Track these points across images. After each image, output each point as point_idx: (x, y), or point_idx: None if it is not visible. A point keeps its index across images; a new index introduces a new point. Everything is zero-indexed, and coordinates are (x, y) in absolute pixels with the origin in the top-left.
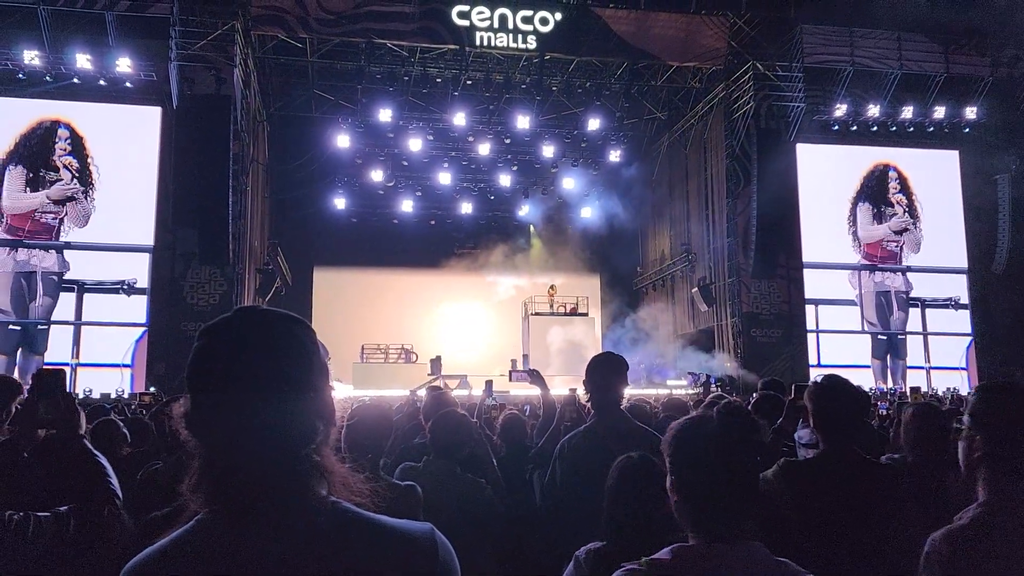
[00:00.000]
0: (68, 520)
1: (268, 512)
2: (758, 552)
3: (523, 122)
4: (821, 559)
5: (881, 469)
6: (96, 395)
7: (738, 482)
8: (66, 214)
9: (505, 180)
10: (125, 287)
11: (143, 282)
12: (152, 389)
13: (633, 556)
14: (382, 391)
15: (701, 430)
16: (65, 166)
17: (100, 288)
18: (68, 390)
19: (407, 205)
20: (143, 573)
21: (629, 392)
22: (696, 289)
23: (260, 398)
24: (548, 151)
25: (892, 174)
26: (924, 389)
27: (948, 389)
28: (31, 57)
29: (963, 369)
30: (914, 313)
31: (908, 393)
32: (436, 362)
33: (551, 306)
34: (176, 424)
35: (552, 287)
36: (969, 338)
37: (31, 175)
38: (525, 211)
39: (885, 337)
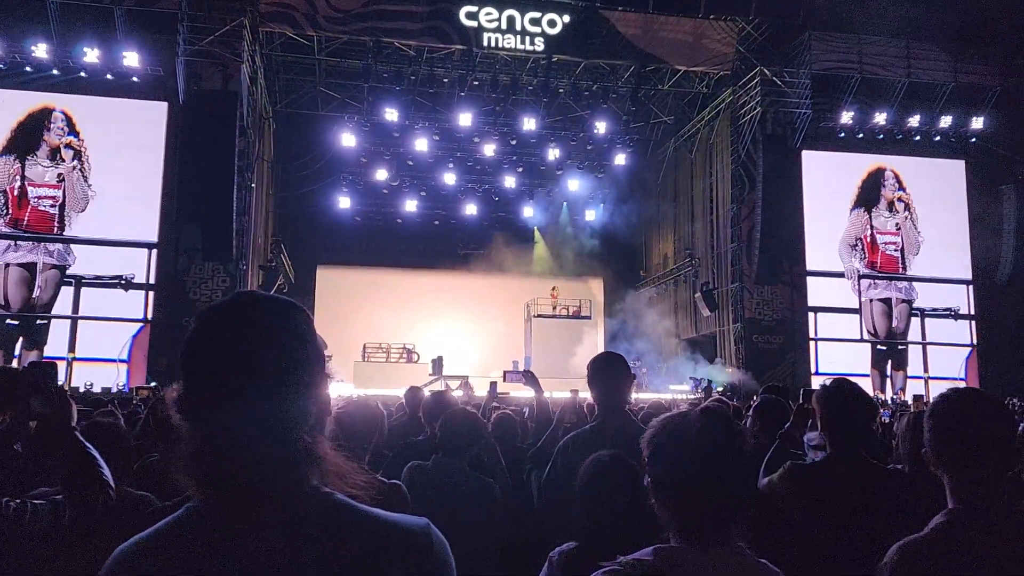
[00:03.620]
0: (64, 508)
1: (259, 499)
2: (740, 556)
3: (529, 124)
4: (826, 561)
5: (888, 474)
6: (96, 389)
7: (719, 486)
8: (64, 199)
9: (510, 181)
10: (123, 282)
11: (145, 277)
12: (153, 383)
13: (605, 556)
14: (383, 390)
15: (680, 432)
16: (66, 145)
17: (98, 283)
18: (60, 383)
19: (411, 205)
20: (132, 560)
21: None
22: (699, 294)
23: (253, 382)
24: (554, 153)
25: (888, 174)
26: (926, 399)
27: None
28: (39, 50)
29: (961, 380)
30: (914, 323)
31: (910, 402)
32: (438, 362)
33: (554, 308)
34: (169, 409)
35: (555, 289)
36: (968, 348)
37: (21, 163)
38: (530, 213)
39: (885, 347)
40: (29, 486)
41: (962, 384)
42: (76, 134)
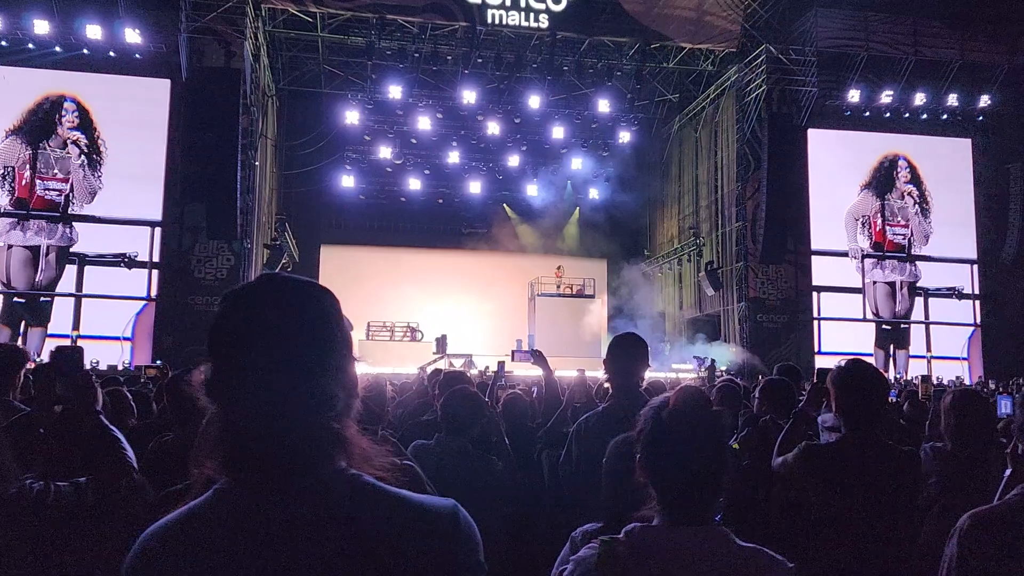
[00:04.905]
0: (87, 490)
1: (286, 481)
2: (722, 538)
3: (533, 102)
4: (841, 541)
5: (901, 455)
6: (103, 367)
7: (693, 468)
8: (72, 190)
9: (514, 160)
10: (126, 260)
11: (149, 256)
12: (159, 362)
13: None
14: (387, 369)
15: (660, 415)
16: (73, 142)
17: (101, 260)
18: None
19: (415, 183)
20: (161, 542)
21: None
22: (703, 273)
23: (281, 365)
24: (558, 132)
25: (902, 163)
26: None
27: (956, 378)
28: (40, 27)
29: (964, 359)
30: (917, 302)
31: (917, 382)
32: (441, 341)
33: (558, 287)
34: (196, 391)
35: (559, 268)
36: (971, 328)
37: (32, 152)
38: (534, 192)
39: (889, 327)
40: (52, 471)
41: (964, 363)
42: (88, 126)
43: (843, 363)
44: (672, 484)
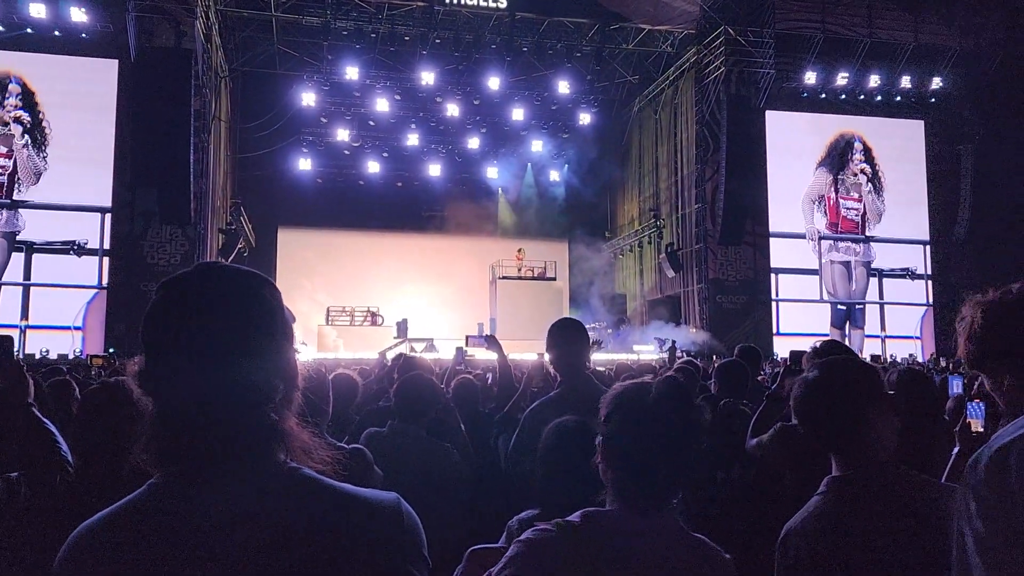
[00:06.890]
0: (20, 486)
1: (222, 474)
2: (673, 526)
3: (493, 83)
4: None
5: None
6: (53, 356)
7: (669, 456)
8: (15, 170)
9: (474, 142)
10: (75, 248)
11: (99, 242)
12: (111, 350)
13: None
14: (347, 354)
15: (638, 399)
16: (16, 120)
17: (50, 248)
18: (16, 356)
19: (374, 166)
20: (93, 538)
21: (595, 358)
22: (664, 255)
23: (217, 355)
24: (518, 113)
25: (857, 144)
26: (883, 358)
27: (909, 356)
28: None
29: (917, 338)
30: (872, 282)
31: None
32: (402, 325)
33: (519, 270)
34: (131, 382)
35: (520, 250)
36: (924, 308)
37: None
38: (494, 174)
39: (844, 307)
40: None
41: (917, 342)
42: (32, 107)
43: (819, 344)
44: (642, 472)
